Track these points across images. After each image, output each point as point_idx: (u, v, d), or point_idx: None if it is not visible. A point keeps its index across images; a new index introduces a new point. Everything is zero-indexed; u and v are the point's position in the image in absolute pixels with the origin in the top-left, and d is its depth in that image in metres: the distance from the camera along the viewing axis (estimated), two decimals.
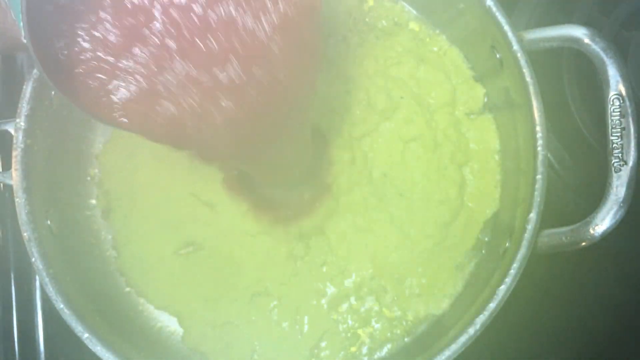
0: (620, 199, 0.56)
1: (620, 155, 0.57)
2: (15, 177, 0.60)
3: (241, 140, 0.53)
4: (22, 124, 0.61)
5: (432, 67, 0.70)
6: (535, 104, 0.59)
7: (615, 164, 0.57)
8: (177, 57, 0.48)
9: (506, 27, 0.61)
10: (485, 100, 0.69)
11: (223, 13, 0.48)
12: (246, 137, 0.53)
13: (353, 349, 0.65)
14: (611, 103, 0.58)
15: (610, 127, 0.57)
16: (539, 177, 0.58)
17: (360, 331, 0.66)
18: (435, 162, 0.68)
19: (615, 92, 0.58)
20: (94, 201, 0.71)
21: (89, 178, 0.71)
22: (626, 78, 0.58)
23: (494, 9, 0.61)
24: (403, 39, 0.72)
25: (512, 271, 0.56)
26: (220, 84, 0.49)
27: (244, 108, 0.50)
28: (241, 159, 0.61)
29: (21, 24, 0.43)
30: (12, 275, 0.74)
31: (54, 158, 0.66)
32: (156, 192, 0.69)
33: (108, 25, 0.48)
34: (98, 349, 0.57)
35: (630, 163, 0.56)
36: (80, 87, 0.50)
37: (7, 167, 0.61)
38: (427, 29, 0.72)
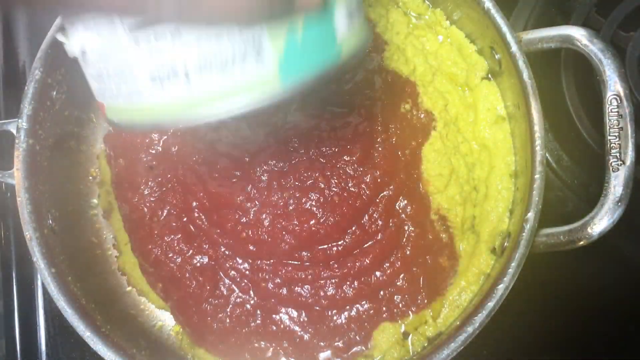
0: (618, 199, 0.56)
1: (618, 155, 0.57)
2: (17, 177, 0.61)
3: None
4: (24, 124, 0.62)
5: (448, 46, 0.70)
6: (533, 104, 0.59)
7: (613, 164, 0.57)
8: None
9: (505, 29, 0.61)
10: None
11: None
12: None
13: None
14: (609, 103, 0.58)
15: (608, 127, 0.58)
16: (537, 176, 0.58)
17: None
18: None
19: (613, 93, 0.58)
20: (95, 201, 0.71)
21: (90, 178, 0.72)
22: (624, 78, 0.58)
23: (493, 10, 0.62)
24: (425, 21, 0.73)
25: (510, 270, 0.56)
26: None
27: None
28: None
29: None
30: (14, 275, 0.74)
31: (56, 158, 0.66)
32: None
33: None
34: (99, 347, 0.57)
35: (628, 162, 0.57)
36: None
37: (9, 166, 0.62)
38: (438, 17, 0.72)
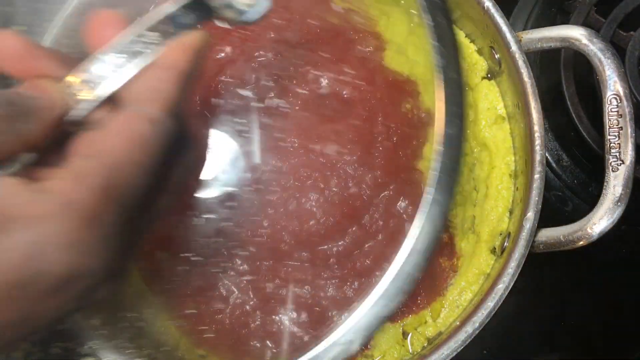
0: (618, 198, 0.56)
1: (617, 154, 0.57)
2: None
3: None
4: None
5: None
6: (533, 104, 0.59)
7: (612, 163, 0.57)
8: None
9: (504, 28, 0.61)
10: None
11: None
12: None
13: None
14: (609, 103, 0.58)
15: (607, 127, 0.58)
16: (537, 176, 0.58)
17: None
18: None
19: (613, 92, 0.58)
20: None
21: None
22: (623, 78, 0.58)
23: (493, 9, 0.62)
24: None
25: (510, 270, 0.56)
26: None
27: None
28: None
29: None
30: None
31: None
32: None
33: None
34: (99, 348, 0.57)
35: (628, 162, 0.57)
36: None
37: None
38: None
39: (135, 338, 0.64)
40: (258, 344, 0.63)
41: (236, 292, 0.64)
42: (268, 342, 0.63)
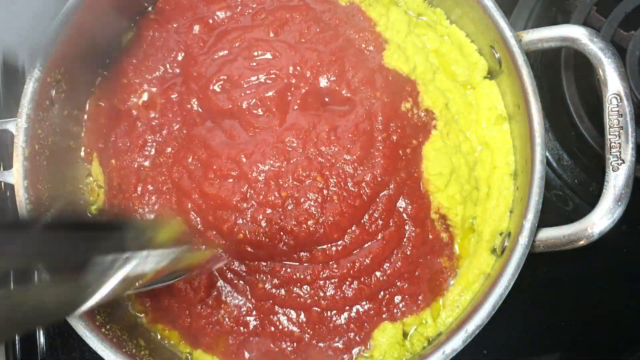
0: (618, 198, 0.56)
1: (618, 154, 0.57)
2: (16, 176, 0.61)
3: None
4: (24, 123, 0.62)
5: (449, 44, 0.70)
6: (533, 103, 0.59)
7: (613, 163, 0.57)
8: None
9: (504, 25, 0.61)
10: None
11: None
12: None
13: None
14: (609, 102, 0.58)
15: (608, 126, 0.57)
16: (537, 176, 0.58)
17: None
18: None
19: (613, 92, 0.58)
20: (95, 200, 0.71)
21: (90, 178, 0.71)
22: (624, 77, 0.58)
23: (493, 9, 0.62)
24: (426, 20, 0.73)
25: (510, 270, 0.56)
26: None
27: None
28: None
29: None
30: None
31: (55, 157, 0.66)
32: None
33: None
34: (99, 347, 0.57)
35: (628, 162, 0.57)
36: None
37: (8, 166, 0.62)
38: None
39: (134, 336, 0.64)
40: (255, 344, 0.63)
41: (234, 293, 0.64)
42: (265, 342, 0.63)
